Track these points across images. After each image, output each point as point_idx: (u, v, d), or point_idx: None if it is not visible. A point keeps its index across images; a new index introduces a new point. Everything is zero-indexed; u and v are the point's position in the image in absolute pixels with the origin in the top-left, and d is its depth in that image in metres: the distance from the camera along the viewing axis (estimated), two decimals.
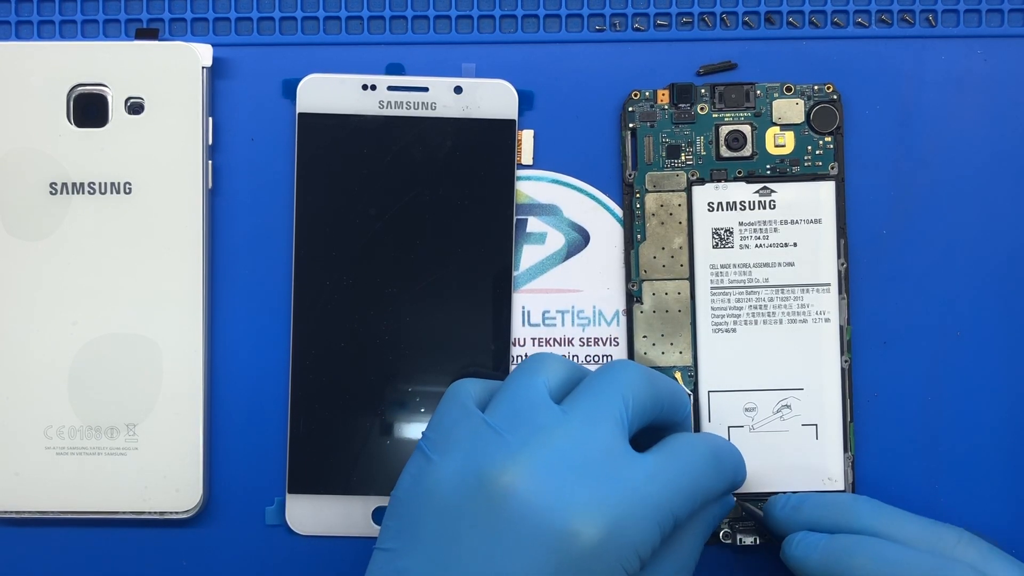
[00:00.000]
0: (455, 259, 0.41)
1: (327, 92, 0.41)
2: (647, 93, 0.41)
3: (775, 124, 0.41)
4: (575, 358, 0.41)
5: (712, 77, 0.42)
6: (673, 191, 0.41)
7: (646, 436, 0.36)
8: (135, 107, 0.40)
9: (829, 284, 0.41)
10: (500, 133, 0.41)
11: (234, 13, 0.42)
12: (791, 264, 0.41)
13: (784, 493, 0.38)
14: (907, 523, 0.35)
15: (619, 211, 0.42)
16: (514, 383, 0.34)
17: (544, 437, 0.32)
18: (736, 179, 0.41)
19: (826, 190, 0.41)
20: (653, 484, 0.32)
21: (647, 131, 0.41)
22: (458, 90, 0.41)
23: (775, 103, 0.41)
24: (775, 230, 0.41)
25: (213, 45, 0.41)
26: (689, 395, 0.40)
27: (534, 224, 0.42)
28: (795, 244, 0.41)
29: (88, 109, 0.40)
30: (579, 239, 0.42)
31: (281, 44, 0.42)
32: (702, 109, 0.41)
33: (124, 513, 0.40)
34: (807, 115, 0.41)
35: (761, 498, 0.40)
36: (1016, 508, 0.41)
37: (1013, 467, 0.41)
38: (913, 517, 0.36)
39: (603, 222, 0.42)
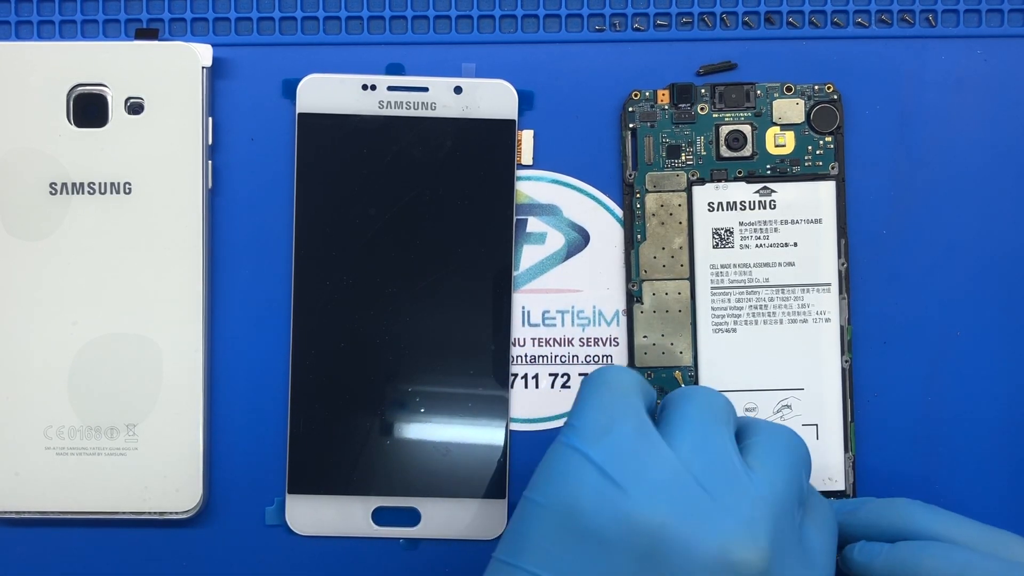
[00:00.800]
0: (455, 259, 0.41)
1: (327, 92, 0.41)
2: (647, 93, 0.41)
3: (775, 124, 0.41)
4: (575, 358, 0.41)
5: (712, 77, 0.42)
6: (673, 191, 0.41)
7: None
8: (135, 107, 0.40)
9: (829, 284, 0.41)
10: (500, 133, 0.41)
11: (234, 13, 0.42)
12: (791, 264, 0.41)
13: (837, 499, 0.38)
14: (966, 527, 0.35)
15: (619, 211, 0.42)
16: (703, 425, 0.33)
17: (758, 511, 0.31)
18: (736, 179, 0.41)
19: (826, 190, 0.41)
20: (779, 481, 0.32)
21: (647, 131, 0.41)
22: (458, 90, 0.41)
23: (775, 103, 0.41)
24: (775, 230, 0.41)
25: (213, 45, 0.41)
26: None
27: (534, 224, 0.42)
28: (795, 244, 0.41)
29: (88, 109, 0.40)
30: (579, 239, 0.42)
31: (281, 44, 0.42)
32: (702, 109, 0.41)
33: (124, 513, 0.40)
34: (807, 115, 0.41)
35: None
36: (1017, 508, 0.41)
37: (1013, 467, 0.41)
38: (970, 521, 0.35)
39: (603, 222, 0.42)
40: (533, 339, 0.41)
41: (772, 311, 0.41)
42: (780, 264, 0.41)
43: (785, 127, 0.41)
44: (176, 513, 0.40)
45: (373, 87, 0.41)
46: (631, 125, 0.41)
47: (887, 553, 0.34)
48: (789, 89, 0.41)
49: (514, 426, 0.41)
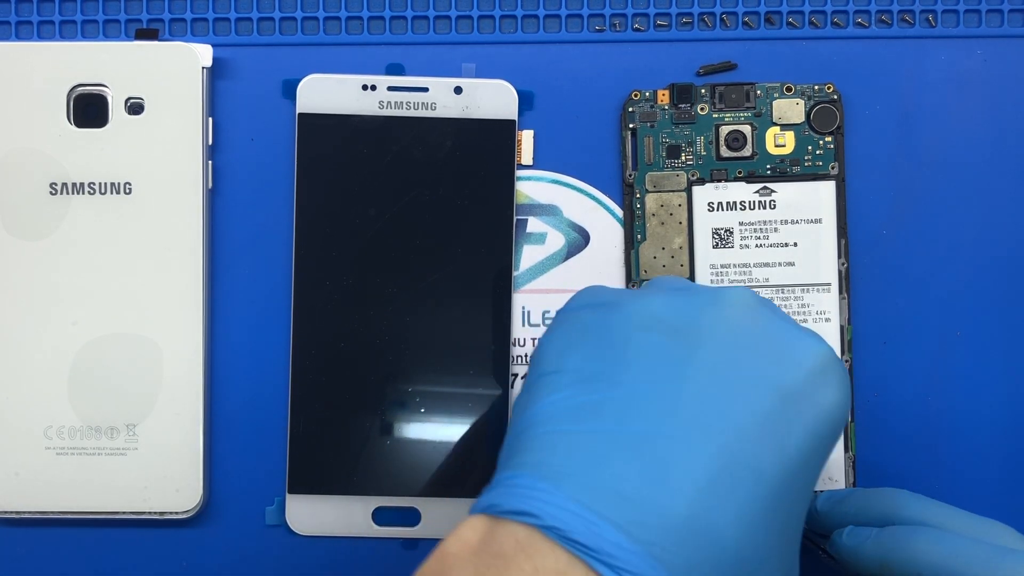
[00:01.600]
0: (455, 259, 0.41)
1: (327, 92, 0.41)
2: (647, 93, 0.41)
3: (775, 124, 0.41)
4: None
5: (712, 77, 0.42)
6: (673, 191, 0.41)
7: None
8: (135, 107, 0.40)
9: (829, 284, 0.41)
10: (500, 133, 0.41)
11: (234, 13, 0.42)
12: (791, 264, 0.41)
13: (824, 491, 0.38)
14: (954, 515, 0.35)
15: (619, 211, 0.42)
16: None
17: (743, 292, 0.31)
18: (736, 179, 0.41)
19: (826, 190, 0.41)
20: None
21: (647, 131, 0.41)
22: (458, 90, 0.41)
23: (775, 103, 0.41)
24: (775, 230, 0.41)
25: (213, 45, 0.41)
26: None
27: (534, 224, 0.42)
28: (795, 244, 0.41)
29: (88, 109, 0.40)
30: (579, 239, 0.42)
31: (281, 44, 0.42)
32: (702, 109, 0.41)
33: (124, 513, 0.40)
34: (807, 115, 0.41)
35: None
36: (1016, 507, 0.41)
37: (1013, 466, 0.41)
38: (958, 510, 0.35)
39: (603, 222, 0.42)
40: (533, 339, 0.41)
41: None
42: (780, 264, 0.41)
43: (785, 127, 0.41)
44: (176, 513, 0.40)
45: (373, 87, 0.41)
46: (631, 125, 0.41)
47: (876, 537, 0.34)
48: (789, 89, 0.41)
49: None
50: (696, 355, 0.29)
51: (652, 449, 0.27)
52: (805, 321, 0.41)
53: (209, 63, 0.41)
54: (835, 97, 0.41)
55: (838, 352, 0.41)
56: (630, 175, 0.41)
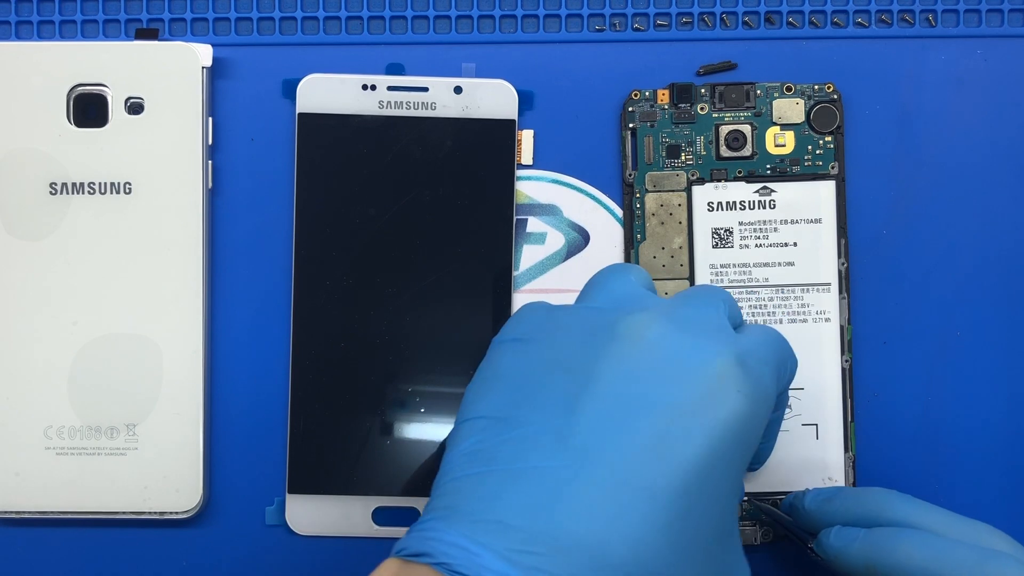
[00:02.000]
0: (455, 259, 0.41)
1: (327, 92, 0.41)
2: (647, 93, 0.41)
3: (775, 124, 0.41)
4: None
5: (712, 77, 0.42)
6: (673, 191, 0.41)
7: None
8: (135, 107, 0.40)
9: (829, 284, 0.41)
10: (500, 133, 0.41)
11: (234, 13, 0.42)
12: (791, 264, 0.41)
13: (795, 491, 0.38)
14: (941, 516, 0.35)
15: (619, 211, 0.42)
16: (700, 291, 0.34)
17: (664, 306, 0.32)
18: (736, 179, 0.41)
19: (826, 190, 0.41)
20: (762, 347, 0.32)
21: (647, 131, 0.41)
22: (458, 90, 0.41)
23: (775, 103, 0.41)
24: (775, 230, 0.41)
25: (213, 45, 0.41)
26: None
27: (534, 224, 0.42)
28: (795, 244, 0.41)
29: (88, 109, 0.40)
30: (579, 239, 0.42)
31: (281, 44, 0.42)
32: (702, 109, 0.41)
33: (124, 513, 0.40)
34: (807, 115, 0.41)
35: (761, 498, 0.40)
36: (1016, 507, 0.41)
37: (1012, 466, 0.41)
38: (946, 512, 0.35)
39: (603, 222, 0.42)
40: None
41: (772, 311, 0.41)
42: (780, 264, 0.41)
43: (785, 127, 0.41)
44: (176, 513, 0.40)
45: (373, 87, 0.41)
46: (631, 125, 0.41)
47: (863, 538, 0.34)
48: (789, 89, 0.41)
49: None
50: (586, 388, 0.30)
51: (540, 480, 0.29)
52: (805, 321, 0.41)
53: (209, 63, 0.41)
54: (835, 97, 0.41)
55: (837, 352, 0.41)
56: (630, 175, 0.41)
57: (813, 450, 0.40)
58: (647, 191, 0.41)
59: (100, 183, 0.40)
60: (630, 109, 0.41)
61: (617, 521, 0.28)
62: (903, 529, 0.34)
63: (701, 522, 0.29)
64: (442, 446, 0.40)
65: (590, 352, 0.31)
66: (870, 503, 0.36)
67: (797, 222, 0.41)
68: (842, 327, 0.41)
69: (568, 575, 0.27)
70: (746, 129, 0.41)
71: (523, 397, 0.31)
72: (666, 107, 0.41)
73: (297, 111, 0.41)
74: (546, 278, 0.41)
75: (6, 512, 0.40)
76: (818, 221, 0.41)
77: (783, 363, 0.33)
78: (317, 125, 0.41)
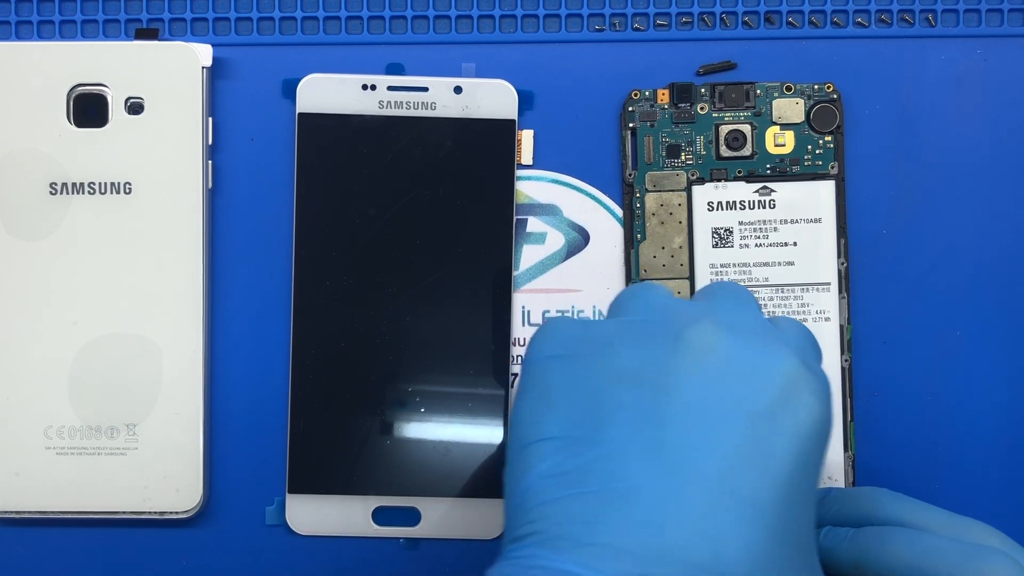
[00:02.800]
0: (455, 259, 0.41)
1: (327, 92, 0.41)
2: (647, 93, 0.41)
3: (775, 123, 0.41)
4: None
5: (712, 77, 0.42)
6: (673, 191, 0.41)
7: None
8: (135, 107, 0.40)
9: (829, 283, 0.41)
10: (500, 133, 0.41)
11: (234, 13, 0.42)
12: (791, 263, 0.41)
13: None
14: (932, 514, 0.35)
15: (619, 211, 0.42)
16: (732, 289, 0.34)
17: (718, 312, 0.32)
18: (736, 179, 0.41)
19: (826, 189, 0.41)
20: (806, 341, 0.32)
21: (647, 131, 0.41)
22: (458, 90, 0.41)
23: (775, 102, 0.41)
24: (775, 229, 0.41)
25: (213, 45, 0.41)
26: None
27: (534, 224, 0.42)
28: (795, 243, 0.41)
29: (88, 109, 0.40)
30: (579, 239, 0.42)
31: (281, 44, 0.42)
32: (702, 109, 0.41)
33: (124, 513, 0.40)
34: (807, 114, 0.41)
35: None
36: (1016, 507, 0.41)
37: (1013, 466, 0.41)
38: (938, 509, 0.35)
39: (603, 222, 0.42)
40: (529, 341, 0.41)
41: (772, 310, 0.41)
42: (780, 263, 0.41)
43: (785, 127, 0.41)
44: (176, 513, 0.40)
45: (373, 87, 0.41)
46: (631, 125, 0.41)
47: (852, 538, 0.34)
48: (789, 89, 0.41)
49: None
50: (668, 401, 0.29)
51: (643, 499, 0.28)
52: (805, 320, 0.41)
53: (209, 63, 0.41)
54: (835, 96, 0.41)
55: (837, 351, 0.41)
56: (630, 175, 0.41)
57: None
58: (647, 191, 0.41)
59: (100, 183, 0.40)
60: (630, 109, 0.41)
61: (728, 534, 0.28)
62: (892, 528, 0.34)
63: (796, 528, 0.29)
64: (443, 448, 0.40)
65: (659, 364, 0.30)
66: (862, 502, 0.36)
67: (797, 222, 0.41)
68: (842, 327, 0.41)
69: None
70: (746, 129, 0.41)
71: (595, 414, 0.30)
72: (666, 107, 0.41)
73: (297, 111, 0.41)
74: (546, 278, 0.42)
75: (6, 512, 0.40)
76: (818, 221, 0.41)
77: (819, 352, 0.34)
78: (317, 125, 0.41)
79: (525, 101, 0.41)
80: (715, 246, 0.41)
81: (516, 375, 0.41)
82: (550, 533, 0.28)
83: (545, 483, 0.29)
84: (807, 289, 0.41)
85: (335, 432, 0.40)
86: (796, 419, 0.29)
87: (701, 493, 0.28)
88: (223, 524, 0.41)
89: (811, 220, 0.41)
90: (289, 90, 0.41)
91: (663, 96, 0.41)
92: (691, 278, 0.41)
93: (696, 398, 0.29)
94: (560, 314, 0.41)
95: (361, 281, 0.41)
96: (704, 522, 0.28)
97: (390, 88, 0.41)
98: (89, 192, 0.40)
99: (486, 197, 0.41)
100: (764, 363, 0.30)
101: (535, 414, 0.31)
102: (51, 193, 0.40)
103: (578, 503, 0.28)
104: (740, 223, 0.41)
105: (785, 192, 0.41)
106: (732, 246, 0.41)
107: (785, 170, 0.41)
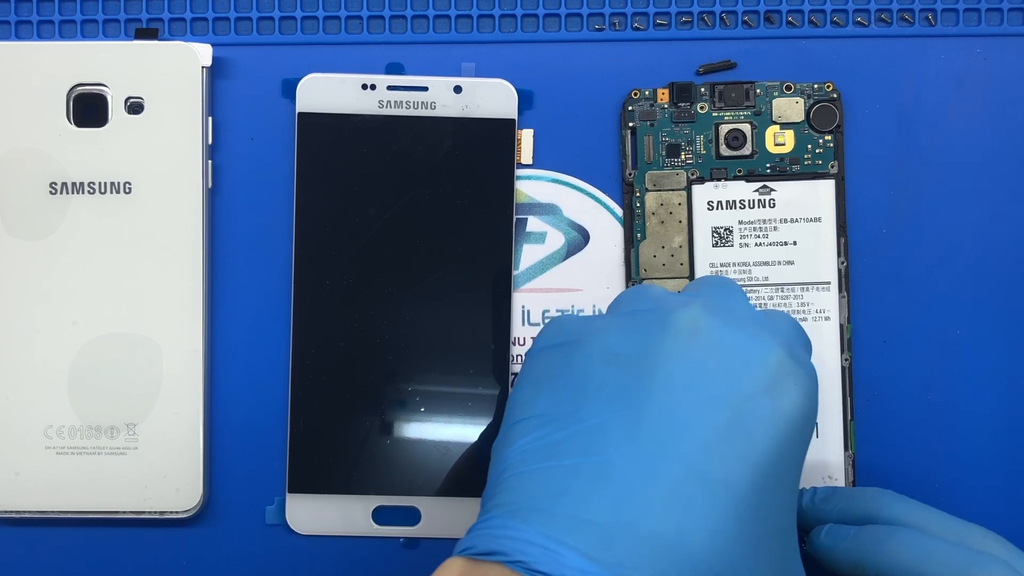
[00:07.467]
0: (455, 259, 0.41)
1: (327, 92, 0.41)
2: (647, 92, 0.41)
3: (775, 123, 0.41)
4: None
5: (712, 76, 0.42)
6: (673, 190, 0.41)
7: None
8: (135, 107, 0.40)
9: (829, 282, 0.41)
10: (500, 133, 0.41)
11: (234, 13, 0.42)
12: (791, 263, 0.41)
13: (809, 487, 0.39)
14: (935, 517, 0.35)
15: (619, 210, 0.42)
16: (720, 282, 0.35)
17: (706, 300, 0.32)
18: (736, 178, 0.41)
19: (826, 188, 0.41)
20: (794, 333, 0.33)
21: (647, 130, 0.41)
22: (458, 90, 0.41)
23: (775, 102, 0.41)
24: (775, 228, 0.41)
25: (213, 45, 0.41)
26: None
27: (534, 224, 0.42)
28: (795, 243, 0.41)
29: (88, 109, 0.40)
30: (579, 238, 0.42)
31: (281, 44, 0.42)
32: (702, 108, 0.41)
33: (124, 513, 0.40)
34: (807, 114, 0.41)
35: None
36: (1016, 506, 0.41)
37: (1013, 466, 0.41)
38: (940, 513, 0.35)
39: (603, 221, 0.42)
40: (533, 338, 0.41)
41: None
42: (780, 263, 0.41)
43: (785, 126, 0.41)
44: (176, 513, 0.40)
45: (373, 87, 0.41)
46: (631, 124, 0.41)
47: (853, 536, 0.35)
48: (789, 88, 0.41)
49: None
50: (651, 382, 0.30)
51: (615, 474, 0.28)
52: (805, 319, 0.41)
53: (209, 63, 0.41)
54: (835, 96, 0.41)
55: (837, 351, 0.41)
56: (630, 174, 0.41)
57: (813, 449, 0.40)
58: (647, 190, 0.41)
59: (100, 183, 0.40)
60: (630, 108, 0.41)
61: (696, 514, 0.28)
62: (894, 528, 0.34)
63: (771, 516, 0.29)
64: (443, 448, 0.40)
65: (647, 346, 0.30)
66: (865, 503, 0.36)
67: (797, 221, 0.41)
68: (842, 326, 0.41)
69: (650, 570, 0.27)
70: (746, 128, 0.41)
71: (582, 392, 0.30)
72: (666, 106, 0.41)
73: (297, 111, 0.41)
74: (546, 277, 0.41)
75: (6, 512, 0.40)
76: (818, 220, 0.41)
77: (808, 346, 0.34)
78: (317, 125, 0.41)
79: (525, 101, 0.41)
80: (715, 245, 0.41)
81: (516, 375, 0.41)
82: (520, 504, 0.29)
83: (522, 456, 0.30)
84: (807, 288, 0.41)
85: (335, 432, 0.40)
86: (778, 408, 0.30)
87: (673, 471, 0.28)
88: (223, 524, 0.41)
89: (811, 219, 0.41)
90: (289, 90, 0.41)
91: (663, 95, 0.41)
92: (691, 277, 0.41)
93: (678, 379, 0.30)
94: (561, 313, 0.41)
95: (361, 281, 0.41)
96: (672, 499, 0.28)
97: (390, 88, 0.41)
98: (89, 192, 0.40)
99: (486, 197, 0.41)
100: (750, 350, 0.30)
101: (527, 396, 0.31)
102: (51, 193, 0.40)
103: (551, 475, 0.29)
104: (740, 222, 0.41)
105: (785, 191, 0.41)
106: (732, 245, 0.41)
107: (785, 169, 0.41)
